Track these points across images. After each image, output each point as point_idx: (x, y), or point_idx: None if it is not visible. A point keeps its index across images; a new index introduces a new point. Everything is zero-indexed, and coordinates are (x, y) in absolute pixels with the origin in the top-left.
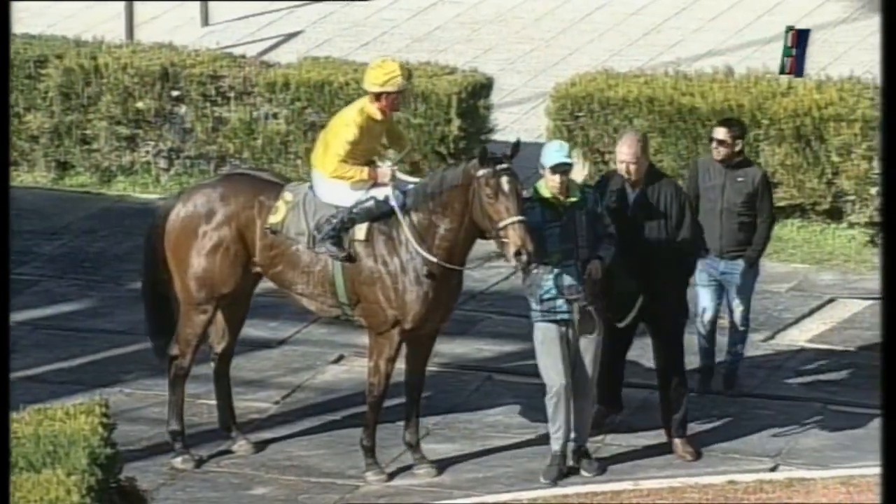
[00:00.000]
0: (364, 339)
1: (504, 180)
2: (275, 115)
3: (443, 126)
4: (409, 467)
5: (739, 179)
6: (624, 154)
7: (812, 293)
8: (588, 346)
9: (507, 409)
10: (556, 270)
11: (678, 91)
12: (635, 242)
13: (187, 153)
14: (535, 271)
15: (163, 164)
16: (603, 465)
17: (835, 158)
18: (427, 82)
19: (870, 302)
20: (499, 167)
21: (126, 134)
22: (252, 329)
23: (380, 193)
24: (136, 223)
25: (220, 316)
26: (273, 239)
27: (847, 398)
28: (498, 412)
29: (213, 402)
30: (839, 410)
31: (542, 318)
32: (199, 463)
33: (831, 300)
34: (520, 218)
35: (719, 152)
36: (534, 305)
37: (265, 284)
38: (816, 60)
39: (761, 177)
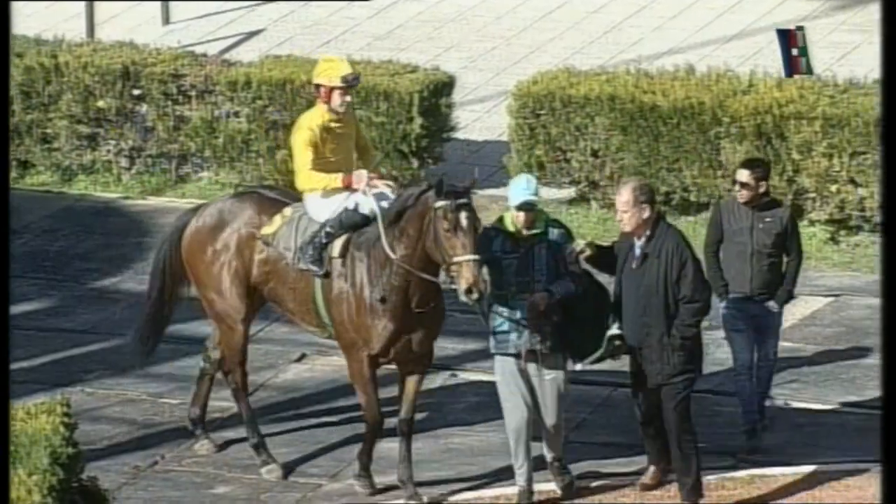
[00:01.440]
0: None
1: (463, 216)
2: (236, 114)
3: (405, 124)
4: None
5: (768, 220)
6: (617, 203)
7: None
8: (542, 385)
9: (470, 407)
10: (509, 304)
11: (639, 89)
12: (637, 294)
13: (148, 152)
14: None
15: (124, 162)
16: (576, 486)
17: (795, 156)
18: (389, 81)
19: (830, 299)
20: (459, 201)
21: (87, 133)
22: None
23: (351, 203)
24: (98, 222)
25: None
26: (268, 254)
27: (807, 395)
28: (461, 410)
29: (176, 401)
30: (800, 407)
31: (497, 351)
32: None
33: (792, 297)
34: (475, 256)
35: (743, 195)
36: (490, 338)
37: None
38: (776, 59)
39: (790, 216)
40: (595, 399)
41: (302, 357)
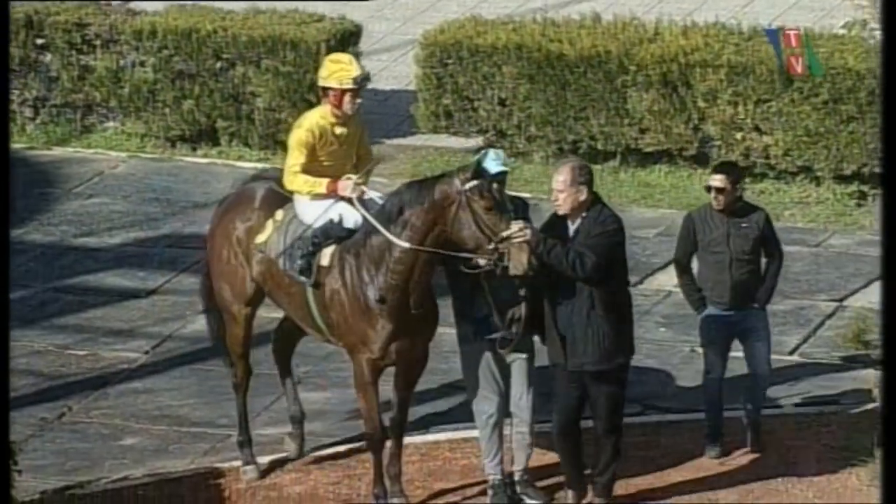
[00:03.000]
0: None
1: (496, 189)
2: (142, 64)
3: (312, 74)
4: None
5: (744, 226)
6: (554, 182)
7: None
8: (521, 366)
9: None
10: (488, 286)
11: (546, 38)
12: (569, 280)
13: (53, 102)
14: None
15: (28, 112)
16: (549, 497)
17: (701, 104)
18: (295, 30)
19: None
20: (489, 177)
21: None
22: (120, 279)
23: (336, 214)
24: None
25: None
26: (263, 257)
27: None
28: None
29: (82, 352)
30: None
31: (473, 338)
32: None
33: None
34: (523, 223)
35: (720, 201)
36: (462, 324)
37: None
38: (682, 7)
39: (765, 219)
40: None
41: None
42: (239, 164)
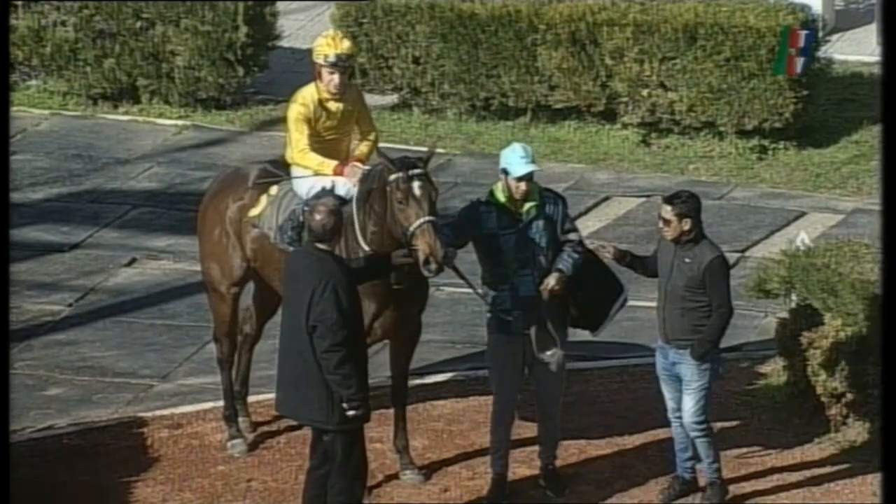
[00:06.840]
0: (155, 242)
1: (416, 185)
2: (63, 23)
3: (230, 33)
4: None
5: (686, 261)
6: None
7: (588, 192)
8: (540, 366)
9: None
10: (511, 281)
11: None
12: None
13: None
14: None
15: None
16: (568, 486)
17: (608, 61)
18: None
19: (642, 199)
20: (411, 171)
21: None
22: (43, 233)
23: (328, 181)
24: None
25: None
26: (257, 233)
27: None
28: None
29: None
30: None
31: (494, 330)
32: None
33: (606, 198)
34: (429, 218)
35: (667, 233)
36: (488, 316)
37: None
38: None
39: (709, 262)
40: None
41: (132, 261)
42: (159, 121)
